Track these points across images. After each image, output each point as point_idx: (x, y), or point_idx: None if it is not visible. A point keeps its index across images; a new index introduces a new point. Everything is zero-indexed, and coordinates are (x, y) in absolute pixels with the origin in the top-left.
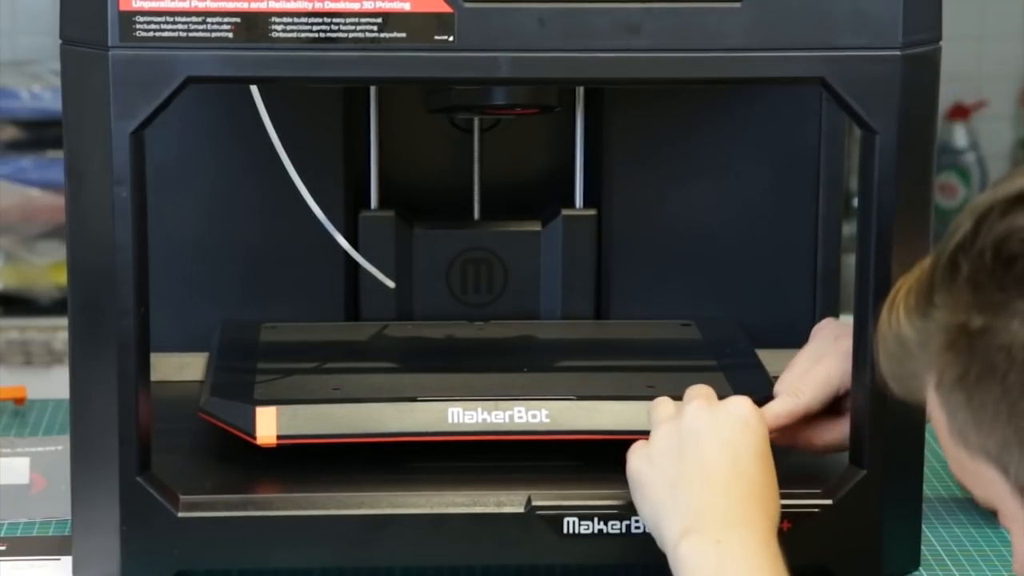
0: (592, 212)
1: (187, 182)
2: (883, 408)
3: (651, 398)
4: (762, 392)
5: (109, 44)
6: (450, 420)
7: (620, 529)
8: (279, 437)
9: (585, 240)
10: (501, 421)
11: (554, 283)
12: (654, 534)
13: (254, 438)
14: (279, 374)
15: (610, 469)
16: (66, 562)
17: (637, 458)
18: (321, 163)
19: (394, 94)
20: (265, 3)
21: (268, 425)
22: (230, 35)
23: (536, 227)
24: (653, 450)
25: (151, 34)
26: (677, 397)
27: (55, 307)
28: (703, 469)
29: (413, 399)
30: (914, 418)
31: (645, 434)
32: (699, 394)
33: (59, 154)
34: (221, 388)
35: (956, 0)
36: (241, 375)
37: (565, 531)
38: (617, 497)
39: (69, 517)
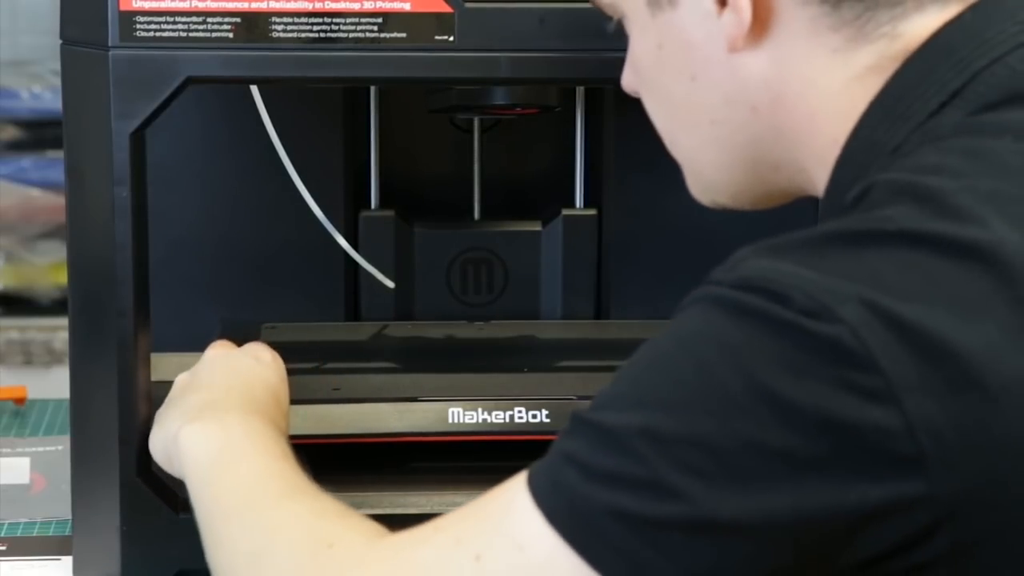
0: (592, 212)
1: (187, 182)
2: None
3: None
4: None
5: (109, 44)
6: (450, 420)
7: None
8: None
9: (585, 240)
10: (501, 421)
11: (554, 283)
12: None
13: None
14: None
15: None
16: (66, 562)
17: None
18: (321, 163)
19: (394, 94)
20: (265, 3)
21: None
22: (230, 35)
23: (536, 227)
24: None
25: (151, 34)
26: None
27: (55, 307)
28: (210, 386)
29: (413, 399)
30: None
31: None
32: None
33: (59, 154)
34: None
35: None
36: None
37: None
38: None
39: (69, 517)
